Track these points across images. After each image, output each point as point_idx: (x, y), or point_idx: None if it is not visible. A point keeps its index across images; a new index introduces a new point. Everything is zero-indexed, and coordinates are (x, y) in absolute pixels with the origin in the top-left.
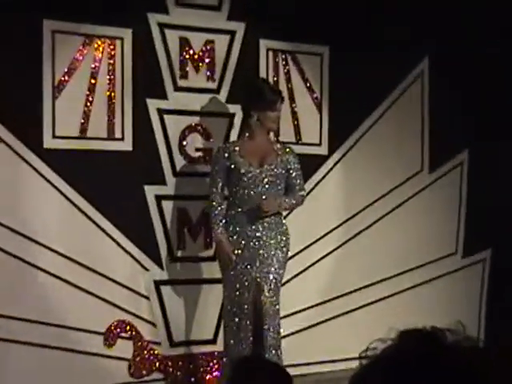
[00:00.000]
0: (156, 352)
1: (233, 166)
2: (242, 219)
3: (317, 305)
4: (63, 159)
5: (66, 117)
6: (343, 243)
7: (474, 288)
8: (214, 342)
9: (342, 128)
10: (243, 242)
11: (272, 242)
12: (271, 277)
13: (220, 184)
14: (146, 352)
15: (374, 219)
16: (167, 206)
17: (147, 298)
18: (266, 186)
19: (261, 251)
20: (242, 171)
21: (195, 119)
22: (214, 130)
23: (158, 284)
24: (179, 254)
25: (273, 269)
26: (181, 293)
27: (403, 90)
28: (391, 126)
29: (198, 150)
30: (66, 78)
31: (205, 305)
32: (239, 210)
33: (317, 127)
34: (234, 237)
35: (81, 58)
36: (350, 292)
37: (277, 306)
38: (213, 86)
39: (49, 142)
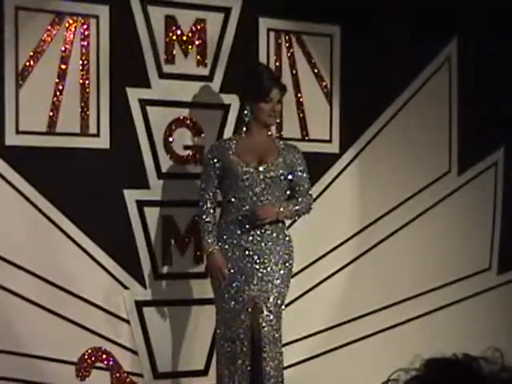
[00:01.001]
0: None
1: (227, 167)
2: (237, 228)
3: (325, 330)
4: (28, 158)
5: (32, 109)
6: (357, 257)
7: (511, 309)
8: (205, 373)
9: (356, 122)
10: (238, 256)
11: (273, 255)
12: (272, 297)
13: (212, 187)
14: None
15: (394, 229)
16: (151, 213)
17: (127, 321)
18: (265, 190)
19: (259, 266)
20: (237, 172)
21: (183, 111)
22: (205, 124)
23: (139, 305)
24: (165, 269)
25: (274, 287)
26: (167, 315)
27: (427, 77)
28: (413, 120)
29: (186, 147)
30: (32, 62)
31: (195, 329)
32: (234, 217)
33: (326, 121)
34: (228, 249)
35: (49, 39)
36: (365, 315)
37: (278, 332)
38: (204, 72)
39: (11, 139)
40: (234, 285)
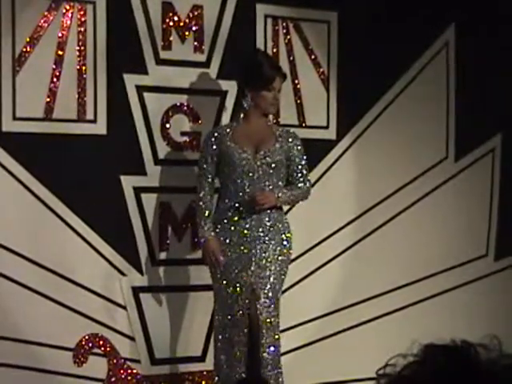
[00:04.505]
0: (134, 371)
1: (224, 153)
2: (235, 214)
3: (323, 316)
4: (25, 144)
5: (29, 95)
6: (354, 243)
7: (508, 295)
8: (202, 359)
9: (353, 108)
10: (236, 242)
11: (270, 241)
12: (269, 283)
13: (210, 174)
14: (122, 371)
15: (391, 215)
16: (148, 199)
17: (124, 307)
18: (262, 177)
19: (257, 252)
20: (234, 158)
21: (181, 98)
22: (202, 110)
23: (136, 291)
24: (162, 256)
25: (271, 274)
26: (163, 301)
27: (425, 63)
28: (411, 107)
29: (183, 133)
30: (29, 48)
31: (192, 316)
32: (231, 203)
33: (324, 107)
34: (225, 235)
35: (46, 25)
36: (363, 301)
37: (276, 318)
38: (201, 58)
39: (8, 125)
40: (232, 271)
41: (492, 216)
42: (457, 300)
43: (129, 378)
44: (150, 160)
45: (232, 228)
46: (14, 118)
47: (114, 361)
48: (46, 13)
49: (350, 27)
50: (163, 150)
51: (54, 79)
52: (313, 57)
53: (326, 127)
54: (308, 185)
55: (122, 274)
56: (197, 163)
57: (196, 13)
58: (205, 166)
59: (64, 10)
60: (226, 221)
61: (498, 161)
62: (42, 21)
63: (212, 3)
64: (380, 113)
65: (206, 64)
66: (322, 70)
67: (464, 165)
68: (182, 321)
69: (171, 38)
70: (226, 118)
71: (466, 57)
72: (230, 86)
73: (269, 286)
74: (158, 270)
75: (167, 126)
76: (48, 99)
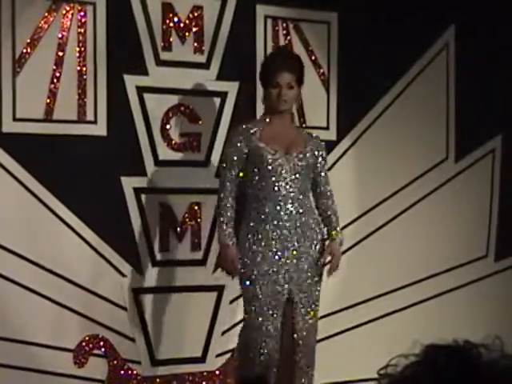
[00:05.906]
0: (135, 372)
1: (253, 154)
2: (264, 217)
3: (323, 317)
4: (25, 145)
5: (29, 96)
6: (354, 244)
7: (509, 296)
8: (202, 360)
9: (354, 109)
10: (265, 245)
11: (305, 243)
12: (307, 290)
13: (234, 174)
14: (123, 372)
15: (391, 216)
16: (148, 200)
17: (124, 308)
18: (294, 179)
19: (291, 257)
20: (266, 160)
21: (181, 99)
22: (202, 111)
23: (136, 292)
24: (162, 257)
25: (312, 281)
26: (164, 302)
27: (425, 64)
28: (411, 107)
29: (184, 134)
30: (29, 49)
31: (192, 317)
32: (260, 204)
33: (324, 108)
34: (259, 248)
35: (46, 26)
36: (363, 302)
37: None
38: (201, 59)
39: (8, 126)
40: (263, 279)
41: (492, 217)
42: (457, 301)
43: (129, 378)
44: (150, 161)
45: (260, 230)
46: (15, 119)
47: (115, 362)
48: (46, 14)
49: (350, 28)
50: (163, 150)
51: (54, 80)
52: (313, 57)
53: (326, 128)
54: (333, 199)
55: (122, 274)
56: (199, 164)
57: (196, 14)
58: (230, 165)
59: (64, 11)
60: (260, 233)
61: (498, 161)
62: (42, 22)
63: (212, 4)
64: (380, 114)
65: (206, 65)
66: (322, 70)
67: (464, 166)
68: (182, 322)
69: (171, 39)
70: (226, 120)
71: (466, 57)
72: (230, 87)
73: (308, 294)
74: (158, 270)
75: (167, 126)
76: (48, 100)
